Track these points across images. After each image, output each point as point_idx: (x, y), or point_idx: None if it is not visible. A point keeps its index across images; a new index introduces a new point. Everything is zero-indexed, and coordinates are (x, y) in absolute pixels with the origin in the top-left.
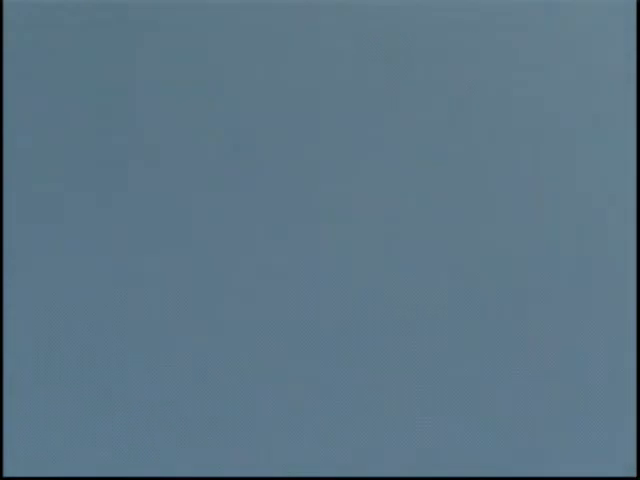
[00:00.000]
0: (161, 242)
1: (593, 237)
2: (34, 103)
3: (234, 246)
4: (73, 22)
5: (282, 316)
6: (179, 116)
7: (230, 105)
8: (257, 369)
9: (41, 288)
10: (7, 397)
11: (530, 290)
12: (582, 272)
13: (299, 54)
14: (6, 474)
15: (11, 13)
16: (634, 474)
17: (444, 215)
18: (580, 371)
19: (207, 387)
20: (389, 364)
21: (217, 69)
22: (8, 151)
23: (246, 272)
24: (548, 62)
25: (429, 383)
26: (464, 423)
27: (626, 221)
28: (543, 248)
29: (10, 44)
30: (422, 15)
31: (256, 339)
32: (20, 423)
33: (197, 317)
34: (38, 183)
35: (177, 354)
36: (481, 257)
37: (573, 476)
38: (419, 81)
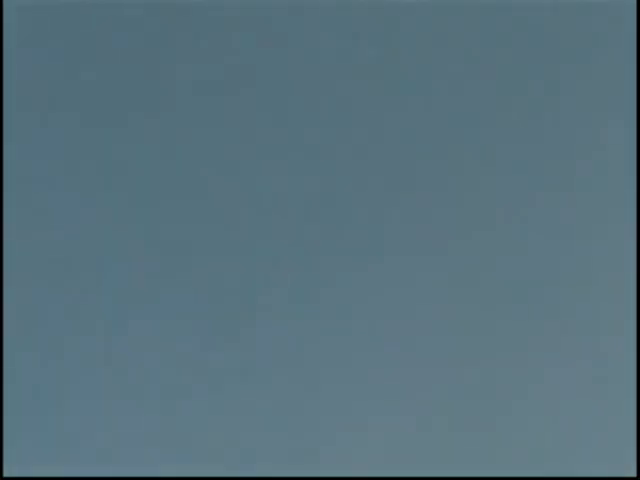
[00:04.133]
0: None
1: None
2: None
3: None
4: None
5: None
6: None
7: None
8: None
9: None
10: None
11: None
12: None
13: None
14: (6, 473)
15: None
16: (634, 474)
17: None
18: None
19: None
20: None
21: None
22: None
23: None
24: (548, 62)
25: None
26: None
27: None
28: None
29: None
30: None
31: None
32: None
33: None
34: None
35: None
36: None
37: (573, 476)
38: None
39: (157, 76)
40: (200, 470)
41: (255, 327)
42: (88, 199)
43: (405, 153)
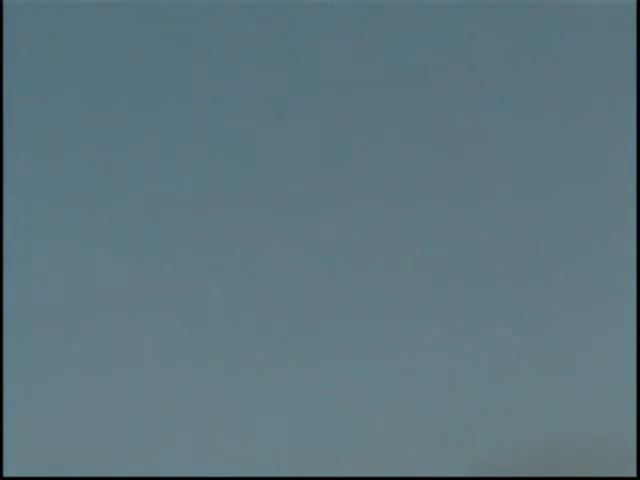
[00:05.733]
0: None
1: None
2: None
3: None
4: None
5: None
6: None
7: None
8: None
9: None
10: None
11: None
12: None
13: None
14: (6, 474)
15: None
16: (634, 474)
17: None
18: None
19: None
20: None
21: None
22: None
23: None
24: (548, 62)
25: None
26: None
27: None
28: None
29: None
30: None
31: None
32: None
33: None
34: None
35: None
36: None
37: (573, 476)
38: None
39: None
40: None
41: None
42: None
43: None
